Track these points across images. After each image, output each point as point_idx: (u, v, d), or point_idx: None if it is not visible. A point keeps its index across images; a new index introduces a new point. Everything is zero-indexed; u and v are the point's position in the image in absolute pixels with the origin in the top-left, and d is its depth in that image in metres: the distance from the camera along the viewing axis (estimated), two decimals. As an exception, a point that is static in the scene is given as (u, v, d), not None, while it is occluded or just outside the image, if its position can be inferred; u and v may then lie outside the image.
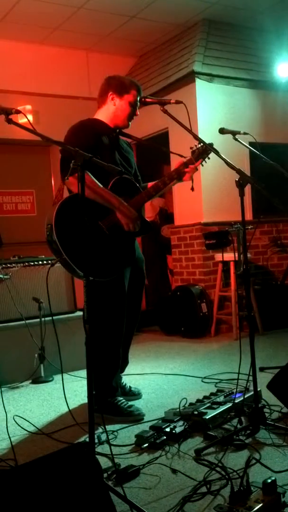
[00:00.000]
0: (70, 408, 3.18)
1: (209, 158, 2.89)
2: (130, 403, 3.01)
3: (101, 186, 2.78)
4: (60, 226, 2.64)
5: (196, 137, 2.69)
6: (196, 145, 2.85)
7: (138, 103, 3.00)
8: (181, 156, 2.92)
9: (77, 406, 3.25)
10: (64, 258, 2.63)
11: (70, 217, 2.65)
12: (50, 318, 3.76)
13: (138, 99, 2.99)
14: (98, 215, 2.79)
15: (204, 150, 2.83)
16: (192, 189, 2.85)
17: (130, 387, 3.31)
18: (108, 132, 2.99)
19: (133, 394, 3.27)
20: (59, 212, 2.66)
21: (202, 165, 2.90)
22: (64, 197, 2.81)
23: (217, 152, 2.63)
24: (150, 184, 3.03)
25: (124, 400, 2.98)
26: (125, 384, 3.29)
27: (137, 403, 3.09)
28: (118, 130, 3.07)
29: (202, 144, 2.79)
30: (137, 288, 3.16)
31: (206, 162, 2.90)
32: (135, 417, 2.88)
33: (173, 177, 2.91)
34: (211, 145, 2.71)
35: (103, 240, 2.78)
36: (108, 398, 2.94)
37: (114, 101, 2.98)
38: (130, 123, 3.04)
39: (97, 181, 2.77)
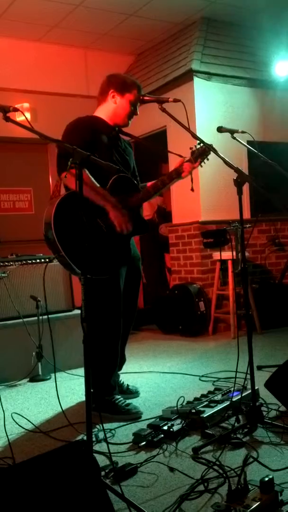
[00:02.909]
0: (68, 406, 3.19)
1: (208, 159, 2.87)
2: (128, 401, 3.00)
3: (98, 185, 2.78)
4: (59, 224, 2.63)
5: (194, 135, 2.68)
6: (195, 146, 2.83)
7: (139, 103, 2.99)
8: (180, 156, 2.91)
9: (75, 404, 3.25)
10: (62, 255, 2.62)
11: (69, 215, 2.64)
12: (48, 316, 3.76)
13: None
14: (97, 213, 2.79)
15: (203, 151, 2.81)
16: (192, 189, 2.84)
17: (127, 385, 3.31)
18: (107, 130, 2.98)
19: (131, 393, 3.27)
20: (58, 209, 2.65)
21: (201, 166, 2.89)
22: (62, 192, 2.79)
23: (215, 151, 2.62)
24: (149, 183, 3.02)
25: (122, 399, 2.98)
26: (123, 383, 3.29)
27: (134, 401, 3.09)
28: (117, 129, 3.06)
29: (201, 144, 2.78)
30: (134, 286, 3.15)
31: (205, 162, 2.88)
32: (133, 415, 2.88)
33: (172, 177, 2.90)
34: (210, 145, 2.70)
35: (101, 238, 2.78)
36: (106, 396, 2.94)
37: (115, 99, 2.98)
38: (130, 122, 3.03)
39: (94, 180, 2.77)
